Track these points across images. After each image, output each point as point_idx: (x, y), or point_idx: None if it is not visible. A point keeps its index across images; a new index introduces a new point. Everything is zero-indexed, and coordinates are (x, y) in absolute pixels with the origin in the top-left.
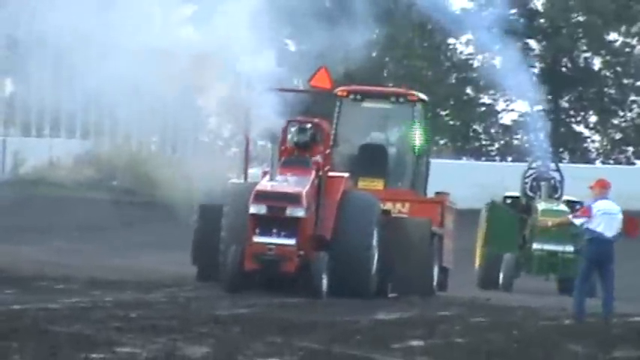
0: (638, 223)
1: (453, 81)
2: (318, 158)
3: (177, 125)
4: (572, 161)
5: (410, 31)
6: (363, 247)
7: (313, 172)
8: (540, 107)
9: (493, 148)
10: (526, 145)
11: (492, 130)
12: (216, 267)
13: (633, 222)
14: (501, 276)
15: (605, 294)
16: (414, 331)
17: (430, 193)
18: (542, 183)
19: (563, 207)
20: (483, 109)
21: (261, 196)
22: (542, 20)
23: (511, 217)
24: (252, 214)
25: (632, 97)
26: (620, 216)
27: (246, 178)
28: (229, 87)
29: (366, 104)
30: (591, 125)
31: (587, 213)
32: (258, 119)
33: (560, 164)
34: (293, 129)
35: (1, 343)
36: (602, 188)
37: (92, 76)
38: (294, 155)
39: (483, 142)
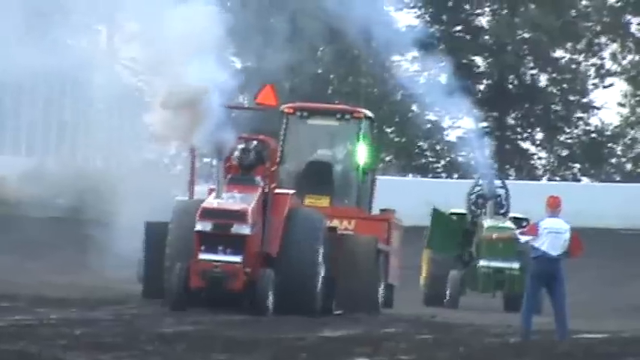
0: (581, 243)
1: (399, 98)
2: (264, 176)
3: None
4: (518, 178)
5: (355, 48)
6: (309, 264)
7: (259, 190)
8: (484, 124)
9: (439, 165)
10: (471, 162)
11: (438, 147)
12: (162, 284)
13: (577, 242)
14: (447, 293)
15: (556, 315)
16: (359, 348)
17: (376, 210)
18: (488, 200)
19: (509, 224)
20: (429, 126)
21: (207, 214)
22: (487, 37)
23: (453, 222)
24: (198, 232)
25: (578, 114)
26: (568, 235)
27: (192, 195)
28: (176, 101)
29: (312, 121)
30: (538, 142)
31: (534, 231)
32: (206, 135)
33: (507, 181)
34: (240, 146)
35: None
36: (553, 206)
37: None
38: (240, 172)
39: (429, 159)
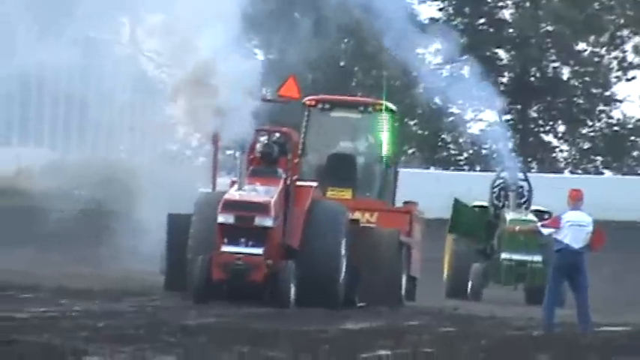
0: (603, 236)
1: (421, 90)
2: (286, 168)
3: (145, 134)
4: (540, 171)
5: (376, 40)
6: (331, 257)
7: (281, 182)
8: (508, 117)
9: (461, 157)
10: (494, 154)
11: (461, 140)
12: (184, 276)
13: (599, 234)
14: (469, 285)
15: (578, 308)
16: (382, 340)
17: (398, 203)
18: (510, 193)
19: (531, 216)
20: (452, 118)
21: (230, 206)
22: (510, 30)
23: (474, 213)
24: (220, 224)
25: (601, 107)
26: (590, 228)
27: (214, 187)
28: (203, 93)
29: (335, 114)
30: (560, 135)
31: (556, 223)
32: (232, 126)
33: (529, 174)
34: (262, 138)
35: None
36: (575, 199)
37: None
38: (262, 165)
39: (452, 152)
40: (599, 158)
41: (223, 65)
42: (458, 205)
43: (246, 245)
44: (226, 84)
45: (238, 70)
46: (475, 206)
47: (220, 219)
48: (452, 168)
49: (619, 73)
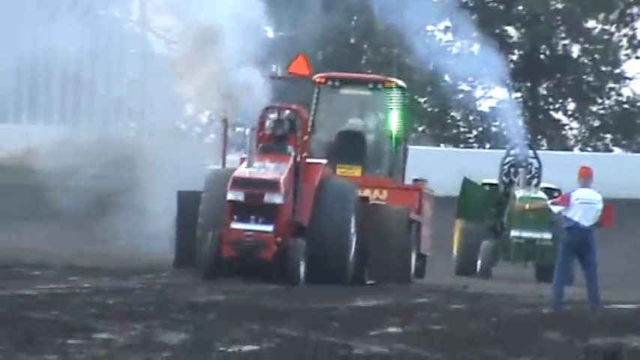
0: (613, 213)
1: (431, 68)
2: (295, 146)
3: (155, 111)
4: (550, 148)
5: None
6: (341, 234)
7: (291, 159)
8: (517, 95)
9: (471, 135)
10: (504, 132)
11: (470, 118)
12: (194, 254)
13: (609, 211)
14: (479, 263)
15: (588, 286)
16: (391, 318)
17: (408, 180)
18: (520, 170)
19: (541, 194)
20: (461, 96)
21: (239, 183)
22: (520, 7)
23: (484, 191)
24: (230, 201)
25: (611, 85)
26: (600, 205)
27: (224, 164)
28: (214, 68)
29: (344, 91)
30: (569, 112)
31: (566, 201)
32: (245, 101)
33: (539, 151)
34: (271, 115)
35: None
36: (584, 176)
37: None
38: (271, 142)
39: (462, 129)
40: (609, 136)
41: (227, 30)
42: (466, 185)
43: (256, 222)
44: (231, 50)
45: (243, 36)
46: (485, 184)
47: (230, 196)
48: (462, 145)
49: (629, 51)
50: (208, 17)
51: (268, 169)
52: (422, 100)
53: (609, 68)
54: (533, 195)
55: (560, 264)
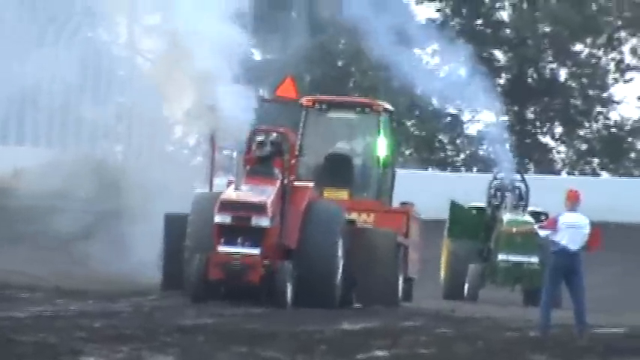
0: (599, 237)
1: (418, 91)
2: (283, 168)
3: (142, 134)
4: (537, 172)
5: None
6: (328, 257)
7: (278, 182)
8: (505, 118)
9: (459, 158)
10: (491, 155)
11: (458, 141)
12: (181, 276)
13: (595, 236)
14: (466, 287)
15: (576, 310)
16: (378, 341)
17: (395, 204)
18: (507, 193)
19: (528, 218)
20: (449, 119)
21: (226, 206)
22: (507, 31)
23: (471, 215)
24: (217, 224)
25: (598, 109)
26: (587, 229)
27: (211, 187)
28: (197, 88)
29: (332, 114)
30: (557, 136)
31: (553, 225)
32: (225, 119)
33: (526, 175)
34: (259, 138)
35: None
36: (572, 200)
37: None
38: (259, 165)
39: (449, 153)
40: (596, 160)
41: (201, 27)
42: (455, 207)
43: (243, 245)
44: (205, 47)
45: (218, 34)
46: (472, 208)
47: (217, 219)
48: (449, 169)
49: (616, 75)
50: (188, 29)
51: (255, 192)
52: (409, 123)
53: (597, 92)
54: (520, 219)
55: (547, 288)
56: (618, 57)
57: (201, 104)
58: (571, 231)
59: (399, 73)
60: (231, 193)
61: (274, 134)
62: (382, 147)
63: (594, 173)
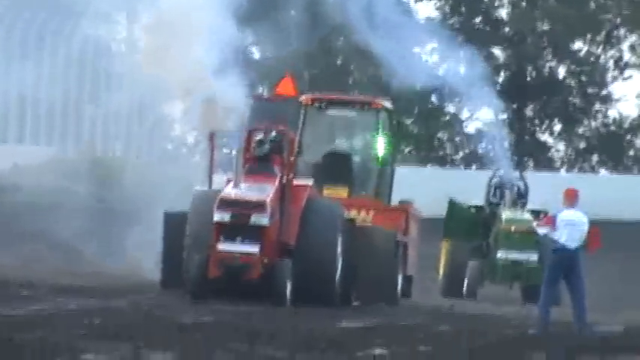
0: (599, 238)
1: (418, 89)
2: (282, 166)
3: (142, 132)
4: (536, 169)
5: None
6: (327, 255)
7: (277, 180)
8: (504, 116)
9: (457, 156)
10: (490, 153)
11: (457, 139)
12: (181, 274)
13: (595, 236)
14: (465, 284)
15: (575, 307)
16: (377, 339)
17: (394, 201)
18: (506, 191)
19: (527, 215)
20: (448, 117)
21: (226, 204)
22: (506, 29)
23: (470, 213)
24: (217, 222)
25: (597, 106)
26: (586, 227)
27: (210, 185)
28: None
29: (331, 112)
30: (556, 134)
31: (551, 223)
32: (223, 95)
33: (525, 173)
34: (258, 136)
35: None
36: (570, 198)
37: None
38: (258, 163)
39: (448, 151)
40: (595, 157)
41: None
42: (453, 206)
43: (242, 243)
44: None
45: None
46: (470, 207)
47: (216, 217)
48: (448, 166)
49: (615, 73)
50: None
51: (255, 190)
52: (408, 121)
53: (596, 90)
54: (519, 217)
55: (546, 285)
56: (617, 55)
57: (196, 95)
58: (570, 228)
59: (399, 71)
60: (230, 191)
61: (273, 132)
62: (381, 145)
63: (593, 171)
